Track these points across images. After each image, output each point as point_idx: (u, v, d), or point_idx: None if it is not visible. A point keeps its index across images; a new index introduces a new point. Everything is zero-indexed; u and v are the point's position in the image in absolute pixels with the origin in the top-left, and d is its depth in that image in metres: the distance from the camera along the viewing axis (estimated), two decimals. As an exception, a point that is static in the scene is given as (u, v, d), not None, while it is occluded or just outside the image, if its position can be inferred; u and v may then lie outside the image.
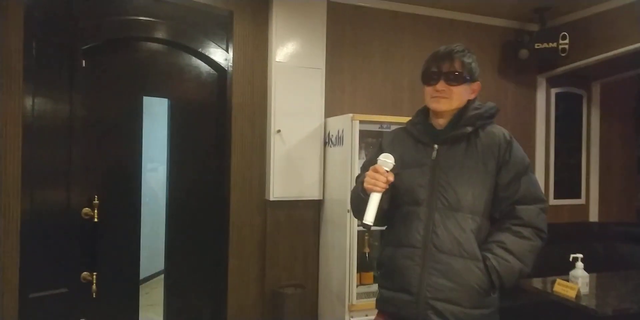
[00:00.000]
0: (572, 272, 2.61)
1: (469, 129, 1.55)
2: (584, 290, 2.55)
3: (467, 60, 1.57)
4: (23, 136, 2.21)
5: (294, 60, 3.19)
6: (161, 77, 2.80)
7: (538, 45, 3.73)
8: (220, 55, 2.99)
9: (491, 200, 1.53)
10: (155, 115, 3.23)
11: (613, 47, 3.45)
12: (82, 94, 2.38)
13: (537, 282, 2.84)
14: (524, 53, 3.79)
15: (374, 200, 1.47)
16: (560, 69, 3.93)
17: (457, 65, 1.56)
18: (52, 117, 2.31)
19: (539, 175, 4.17)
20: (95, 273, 2.40)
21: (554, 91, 4.24)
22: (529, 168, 1.58)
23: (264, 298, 3.21)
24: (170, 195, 2.90)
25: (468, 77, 1.57)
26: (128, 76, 2.63)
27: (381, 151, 1.63)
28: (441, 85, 1.55)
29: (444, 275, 1.46)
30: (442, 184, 1.52)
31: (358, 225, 1.48)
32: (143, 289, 2.83)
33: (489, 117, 1.60)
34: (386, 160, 1.49)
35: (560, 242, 3.85)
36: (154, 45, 2.76)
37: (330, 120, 3.24)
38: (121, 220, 2.61)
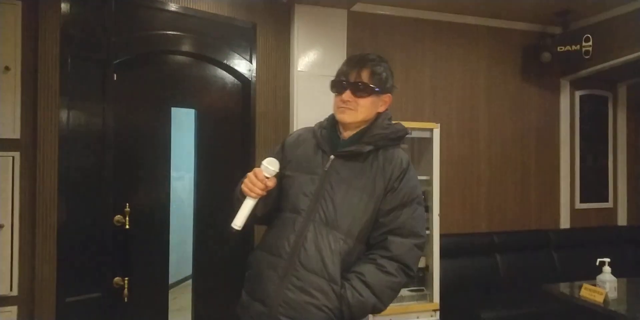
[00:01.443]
0: (600, 277, 2.58)
1: (368, 148, 1.47)
2: (612, 295, 2.52)
3: (377, 70, 1.48)
4: (59, 147, 2.31)
5: (315, 69, 3.25)
6: (188, 89, 2.90)
7: (561, 48, 3.71)
8: (244, 66, 3.07)
9: (370, 224, 1.46)
10: (181, 125, 3.33)
11: (639, 48, 3.41)
12: (113, 106, 2.47)
13: (563, 287, 2.81)
14: (546, 56, 3.77)
15: (248, 205, 1.40)
16: (585, 72, 3.89)
17: (365, 76, 1.47)
18: (86, 128, 2.41)
19: (564, 179, 4.12)
20: (126, 278, 2.48)
21: (578, 94, 4.19)
22: (417, 200, 1.50)
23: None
24: (197, 202, 2.98)
25: (377, 89, 1.48)
26: (157, 88, 2.73)
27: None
28: (347, 95, 1.47)
29: (300, 292, 1.39)
30: (325, 198, 1.44)
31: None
32: (171, 294, 2.90)
33: (394, 140, 1.53)
34: (268, 167, 1.41)
35: (587, 247, 3.82)
36: (181, 58, 2.85)
37: (352, 127, 3.27)
38: (151, 227, 2.69)
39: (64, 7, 2.31)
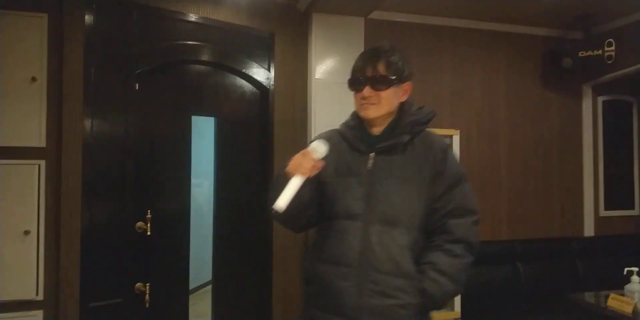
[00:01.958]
0: (628, 287, 2.52)
1: (407, 137, 1.46)
2: (641, 305, 2.45)
3: (392, 60, 1.47)
4: (83, 155, 2.37)
5: (333, 76, 3.26)
6: (208, 97, 2.94)
7: (582, 53, 3.66)
8: (263, 74, 3.11)
9: (426, 212, 1.46)
10: (200, 133, 3.37)
11: (663, 52, 3.35)
12: (135, 115, 2.53)
13: (589, 297, 2.75)
14: (567, 62, 3.72)
15: (294, 185, 1.31)
16: (607, 77, 3.82)
17: (381, 68, 1.45)
18: (108, 137, 2.47)
19: (587, 186, 4.04)
20: (148, 284, 2.51)
21: (600, 99, 4.12)
22: (463, 178, 1.51)
23: (308, 310, 3.25)
24: (217, 209, 3.01)
25: (395, 79, 1.46)
26: (178, 97, 2.78)
27: None
28: (367, 91, 1.45)
29: (381, 296, 1.38)
30: (378, 197, 1.42)
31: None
32: (190, 300, 2.93)
33: (425, 123, 1.52)
34: (317, 148, 1.36)
35: (613, 255, 3.73)
36: (201, 68, 2.90)
37: (370, 134, 3.28)
38: (172, 234, 2.72)
39: (88, 19, 2.38)
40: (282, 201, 1.28)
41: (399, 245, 1.40)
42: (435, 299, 1.41)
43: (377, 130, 1.51)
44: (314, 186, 1.42)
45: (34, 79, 2.28)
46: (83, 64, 2.37)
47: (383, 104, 1.46)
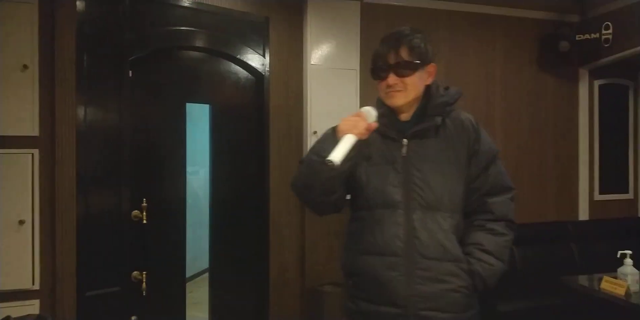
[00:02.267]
0: (621, 269, 2.54)
1: (439, 119, 1.43)
2: (634, 287, 2.47)
3: (415, 43, 1.41)
4: (77, 143, 2.33)
5: (328, 62, 3.23)
6: (203, 84, 2.91)
7: (579, 37, 3.63)
8: (258, 60, 3.07)
9: (465, 192, 1.45)
10: (195, 120, 3.35)
11: (660, 35, 3.32)
12: (129, 102, 2.50)
13: (583, 280, 2.78)
14: (564, 45, 3.69)
15: (348, 142, 1.27)
16: (604, 60, 3.79)
17: (404, 53, 1.40)
18: (102, 125, 2.45)
19: (582, 170, 4.06)
20: (144, 272, 2.51)
21: (597, 83, 4.10)
22: (497, 156, 1.50)
23: (304, 296, 3.27)
24: (213, 196, 3.00)
25: (420, 63, 1.41)
26: (172, 84, 2.75)
27: None
28: (392, 78, 1.40)
29: (432, 282, 1.37)
30: (417, 183, 1.40)
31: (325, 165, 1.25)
32: (188, 288, 2.94)
33: (453, 103, 1.49)
34: (370, 111, 1.36)
35: (607, 239, 3.76)
36: (195, 54, 2.87)
37: (366, 120, 3.26)
38: (168, 222, 2.72)
39: (79, 4, 2.33)
40: (337, 155, 1.24)
41: (443, 229, 1.40)
42: (486, 280, 1.42)
43: (405, 115, 1.48)
44: (353, 163, 1.37)
45: (25, 67, 2.23)
46: (75, 51, 2.32)
47: (409, 90, 1.42)
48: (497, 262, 1.43)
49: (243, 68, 3.05)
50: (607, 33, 3.52)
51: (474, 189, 1.46)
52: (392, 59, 1.40)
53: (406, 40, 1.41)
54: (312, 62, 3.20)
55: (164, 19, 2.69)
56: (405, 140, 1.44)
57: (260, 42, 3.09)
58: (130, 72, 2.49)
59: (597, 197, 4.09)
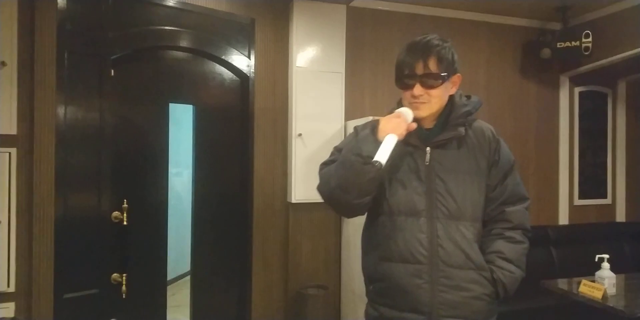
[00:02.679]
0: (598, 273, 2.58)
1: (462, 130, 1.44)
2: (611, 291, 2.52)
3: (443, 55, 1.39)
4: (56, 143, 2.30)
5: (314, 65, 3.23)
6: (186, 84, 2.88)
7: (560, 44, 3.69)
8: (243, 61, 3.06)
9: (484, 203, 1.48)
10: (179, 121, 3.31)
11: (639, 44, 3.39)
12: (111, 102, 2.46)
13: (562, 283, 2.81)
14: (546, 52, 3.76)
15: (390, 143, 1.27)
16: (584, 68, 3.88)
17: (432, 65, 1.38)
18: (83, 124, 2.40)
19: (563, 175, 4.12)
20: (124, 274, 2.47)
21: (577, 90, 4.18)
22: (514, 166, 1.53)
23: (287, 299, 3.26)
24: (195, 198, 2.97)
25: (446, 75, 1.40)
26: (154, 84, 2.72)
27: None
28: (418, 89, 1.38)
29: (455, 290, 1.39)
30: (440, 192, 1.41)
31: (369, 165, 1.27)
32: (169, 290, 2.90)
33: (474, 113, 1.50)
34: (407, 112, 1.36)
35: (586, 243, 3.81)
36: (179, 54, 2.84)
37: (351, 123, 3.27)
38: (149, 224, 2.68)
39: (61, 1, 2.29)
40: (382, 156, 1.25)
41: (467, 238, 1.41)
42: (507, 287, 1.44)
43: (428, 123, 1.47)
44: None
45: (3, 64, 2.18)
46: (56, 49, 2.28)
47: (434, 103, 1.41)
48: (517, 269, 1.46)
49: (228, 69, 3.04)
50: (587, 41, 3.59)
51: (493, 199, 1.49)
52: (419, 70, 1.38)
53: (435, 50, 1.39)
54: (297, 65, 3.20)
55: (148, 18, 2.66)
56: (428, 149, 1.44)
57: (246, 43, 3.08)
58: (112, 71, 2.45)
59: (577, 202, 4.16)
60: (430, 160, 1.43)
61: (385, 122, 1.34)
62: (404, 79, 1.41)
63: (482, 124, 1.53)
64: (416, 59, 1.39)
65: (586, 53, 3.61)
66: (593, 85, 4.24)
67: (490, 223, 1.50)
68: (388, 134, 1.30)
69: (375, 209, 1.48)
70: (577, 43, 3.62)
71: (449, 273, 1.39)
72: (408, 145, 1.44)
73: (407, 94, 1.42)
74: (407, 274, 1.40)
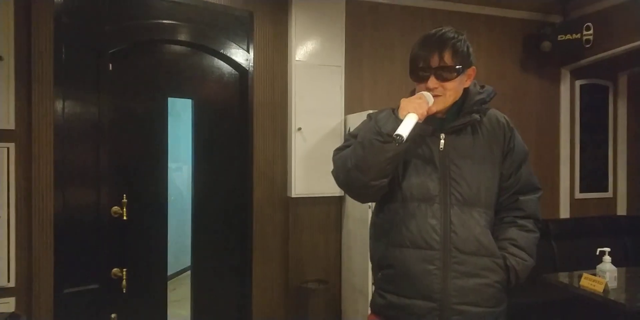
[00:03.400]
0: (600, 266, 2.57)
1: (477, 116, 1.43)
2: (612, 284, 2.51)
3: (458, 47, 1.38)
4: (54, 138, 2.29)
5: (313, 58, 3.21)
6: (185, 79, 2.87)
7: (561, 37, 3.67)
8: (242, 55, 3.04)
9: (498, 189, 1.47)
10: (178, 115, 3.30)
11: (639, 37, 3.37)
12: (109, 96, 2.45)
13: (563, 277, 2.81)
14: (546, 45, 3.73)
15: (411, 120, 1.26)
16: (585, 61, 3.85)
17: (447, 58, 1.36)
18: (81, 119, 2.39)
19: (564, 169, 4.11)
20: (125, 269, 2.47)
21: (578, 83, 4.16)
22: (528, 155, 1.54)
23: (288, 293, 3.26)
24: (195, 193, 2.96)
25: (461, 68, 1.38)
26: (153, 78, 2.70)
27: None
28: (433, 82, 1.37)
29: (468, 277, 1.37)
30: (454, 178, 1.40)
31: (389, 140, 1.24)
32: (170, 285, 2.90)
33: (489, 101, 1.50)
34: (430, 96, 1.35)
35: (587, 237, 3.81)
36: (178, 48, 2.82)
37: (351, 117, 3.26)
38: (149, 218, 2.68)
39: (57, -6, 2.28)
40: (404, 130, 1.23)
41: (480, 225, 1.40)
42: (519, 275, 1.44)
43: (441, 112, 1.45)
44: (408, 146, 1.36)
45: (0, 58, 2.17)
46: (53, 43, 2.28)
47: (448, 95, 1.40)
48: (529, 257, 1.46)
49: (227, 63, 3.02)
50: (588, 34, 3.57)
51: (507, 187, 1.49)
52: (434, 62, 1.37)
53: (450, 43, 1.37)
54: (296, 58, 3.18)
55: (146, 11, 2.64)
56: (442, 135, 1.43)
57: (245, 37, 3.06)
58: (110, 65, 2.44)
59: (578, 195, 4.15)
60: (444, 146, 1.42)
61: (406, 102, 1.32)
62: (419, 71, 1.40)
63: (497, 112, 1.53)
64: (431, 51, 1.37)
65: (587, 46, 3.59)
66: (594, 79, 4.21)
67: (503, 211, 1.50)
68: (409, 112, 1.28)
69: (387, 196, 1.45)
70: (578, 36, 3.60)
71: (461, 259, 1.37)
72: (422, 131, 1.42)
73: (422, 86, 1.40)
74: (419, 259, 1.38)
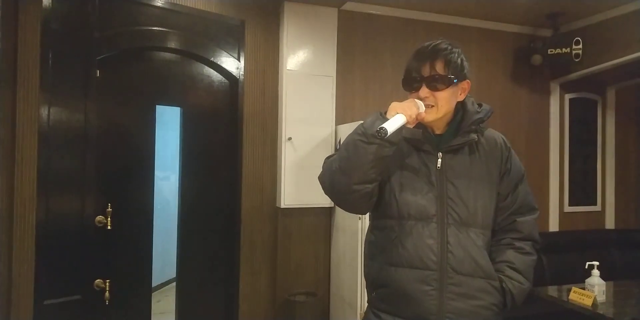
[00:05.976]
0: (588, 280, 2.57)
1: (475, 136, 1.44)
2: (601, 298, 2.51)
3: (452, 58, 1.38)
4: (39, 145, 2.24)
5: (304, 68, 3.21)
6: (174, 86, 2.84)
7: (551, 51, 3.71)
8: (232, 64, 3.02)
9: (494, 211, 1.46)
10: (166, 124, 3.26)
11: (628, 52, 3.41)
12: (96, 103, 2.41)
13: (552, 291, 2.79)
14: (537, 59, 3.77)
15: (398, 120, 1.24)
16: (574, 75, 3.90)
17: (439, 67, 1.37)
18: (67, 126, 2.35)
19: (553, 182, 4.13)
20: (108, 280, 2.42)
21: (567, 97, 4.20)
22: (525, 176, 1.52)
23: (275, 305, 3.21)
24: (182, 203, 2.92)
25: (454, 78, 1.38)
26: (141, 85, 2.67)
27: None
28: (424, 91, 1.37)
29: (465, 298, 1.36)
30: (451, 197, 1.38)
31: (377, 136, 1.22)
32: (155, 297, 2.84)
33: (486, 120, 1.50)
34: (421, 103, 1.34)
35: (575, 250, 3.81)
36: (167, 55, 2.80)
37: (341, 127, 3.24)
38: (134, 228, 2.63)
39: (45, 0, 2.24)
40: (390, 126, 1.22)
41: (477, 246, 1.39)
42: (515, 298, 1.42)
43: (439, 129, 1.46)
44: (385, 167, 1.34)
45: (-16, 63, 2.13)
46: (39, 48, 2.23)
47: (441, 106, 1.38)
48: (526, 281, 1.44)
49: (217, 71, 3.00)
50: (578, 48, 3.61)
51: (504, 208, 1.47)
52: (426, 72, 1.38)
53: (443, 54, 1.38)
54: (288, 68, 3.17)
55: (135, 18, 2.62)
56: (440, 154, 1.42)
57: (236, 45, 3.05)
58: (98, 71, 2.40)
59: (567, 208, 4.16)
60: (442, 164, 1.41)
61: (396, 104, 1.31)
62: (410, 81, 1.41)
63: (494, 132, 1.53)
64: (423, 61, 1.38)
65: (576, 60, 3.63)
66: (583, 92, 4.25)
67: (499, 233, 1.48)
68: (397, 113, 1.27)
69: (383, 213, 1.44)
70: (568, 50, 3.64)
71: (457, 280, 1.35)
72: (420, 150, 1.43)
73: (414, 96, 1.40)
74: (415, 279, 1.35)
